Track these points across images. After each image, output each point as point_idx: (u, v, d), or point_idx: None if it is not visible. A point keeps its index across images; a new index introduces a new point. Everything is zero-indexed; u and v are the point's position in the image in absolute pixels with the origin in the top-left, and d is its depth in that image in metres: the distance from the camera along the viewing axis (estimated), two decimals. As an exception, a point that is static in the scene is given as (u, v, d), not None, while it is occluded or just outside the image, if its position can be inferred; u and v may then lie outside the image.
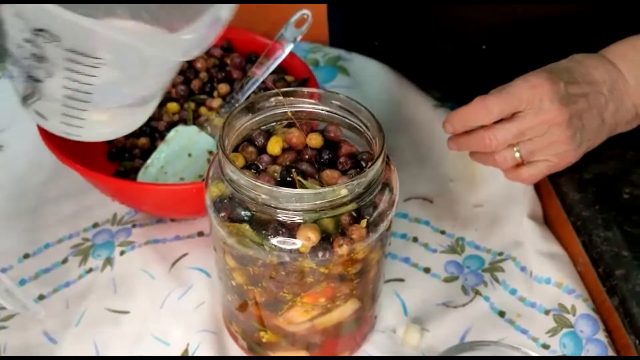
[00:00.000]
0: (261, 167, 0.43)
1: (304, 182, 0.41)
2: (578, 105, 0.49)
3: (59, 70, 0.38)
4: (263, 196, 0.39)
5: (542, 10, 0.60)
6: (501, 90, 0.50)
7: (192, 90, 0.62)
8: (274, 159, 0.44)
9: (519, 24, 0.62)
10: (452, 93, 0.68)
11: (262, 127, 0.45)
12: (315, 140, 0.44)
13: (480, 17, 0.64)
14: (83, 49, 0.36)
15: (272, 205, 0.39)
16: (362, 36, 0.76)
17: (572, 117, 0.49)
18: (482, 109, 0.49)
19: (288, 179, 0.41)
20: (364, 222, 0.40)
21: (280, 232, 0.40)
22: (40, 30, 0.33)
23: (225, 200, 0.41)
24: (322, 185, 0.42)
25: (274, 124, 0.45)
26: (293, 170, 0.41)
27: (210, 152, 0.58)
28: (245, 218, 0.40)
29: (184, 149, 0.57)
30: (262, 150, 0.44)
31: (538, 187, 0.60)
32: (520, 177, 0.53)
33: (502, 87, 0.50)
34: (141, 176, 0.57)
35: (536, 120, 0.49)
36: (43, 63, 0.37)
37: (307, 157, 0.44)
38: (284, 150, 0.44)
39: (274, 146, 0.43)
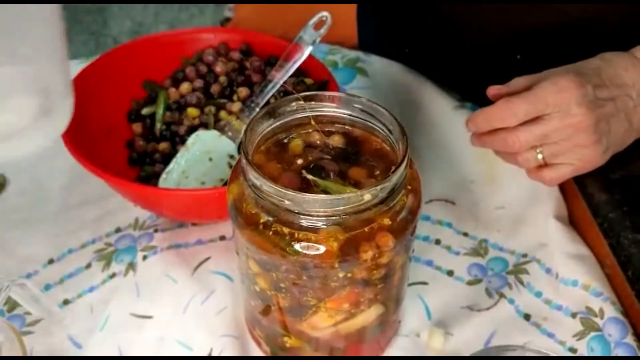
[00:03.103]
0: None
1: (327, 183, 0.41)
2: (605, 109, 0.49)
3: None
4: (286, 202, 0.39)
5: (576, 15, 0.59)
6: (527, 92, 0.49)
7: (212, 95, 0.62)
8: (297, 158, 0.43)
9: (548, 32, 0.61)
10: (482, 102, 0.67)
11: (285, 132, 0.44)
12: (337, 140, 0.44)
13: (513, 26, 0.63)
14: None
15: (296, 211, 0.39)
16: (393, 43, 0.75)
17: (599, 122, 0.48)
18: (507, 111, 0.49)
19: (309, 176, 0.41)
20: (388, 226, 0.40)
21: (304, 237, 0.39)
22: None
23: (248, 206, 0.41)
24: (348, 183, 0.41)
25: (294, 129, 0.45)
26: (310, 173, 0.41)
27: (231, 156, 0.58)
28: (269, 224, 0.40)
29: (205, 153, 0.58)
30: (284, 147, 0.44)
31: (563, 187, 0.59)
32: (542, 179, 0.52)
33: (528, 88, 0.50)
34: (162, 182, 0.57)
35: (561, 124, 0.48)
36: None
37: (331, 154, 0.43)
38: (306, 148, 0.44)
39: (297, 144, 0.43)
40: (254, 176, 0.39)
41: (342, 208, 0.38)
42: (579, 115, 0.48)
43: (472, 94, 0.68)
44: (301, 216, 0.39)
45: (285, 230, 0.40)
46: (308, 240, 0.39)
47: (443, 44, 0.70)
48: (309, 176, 0.41)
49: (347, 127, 0.45)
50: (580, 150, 0.49)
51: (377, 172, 0.42)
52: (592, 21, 0.59)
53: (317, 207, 0.38)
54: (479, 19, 0.65)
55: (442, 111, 0.66)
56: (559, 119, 0.48)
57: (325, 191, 0.41)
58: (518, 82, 0.51)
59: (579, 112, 0.48)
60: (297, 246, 0.39)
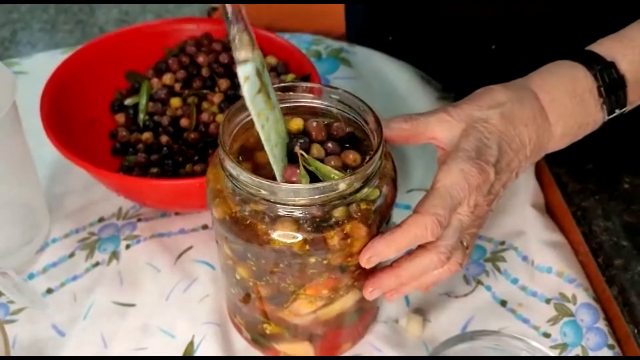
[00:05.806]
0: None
1: (317, 163, 0.40)
2: (502, 180, 0.45)
3: None
4: (263, 191, 0.39)
5: (548, 8, 0.59)
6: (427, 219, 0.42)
7: (194, 85, 0.63)
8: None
9: (525, 22, 0.61)
10: (461, 91, 0.67)
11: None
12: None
13: (491, 16, 0.62)
14: None
15: (272, 200, 0.39)
16: (378, 31, 0.75)
17: (497, 196, 0.45)
18: (423, 232, 0.42)
19: (301, 152, 0.40)
20: (363, 214, 0.41)
21: (280, 225, 0.40)
22: None
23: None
24: (342, 167, 0.42)
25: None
26: (301, 153, 0.41)
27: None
28: (246, 213, 0.41)
29: None
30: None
31: (539, 176, 0.60)
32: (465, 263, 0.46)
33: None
34: None
35: (470, 218, 0.44)
36: None
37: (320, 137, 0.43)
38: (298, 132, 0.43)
39: (295, 123, 0.43)
40: (230, 166, 0.40)
41: (317, 197, 0.39)
42: (484, 206, 0.44)
43: (455, 84, 0.68)
44: (278, 205, 0.40)
45: (263, 219, 0.40)
46: (285, 228, 0.40)
47: (427, 33, 0.71)
48: (300, 152, 0.41)
49: (325, 117, 0.46)
50: (480, 221, 0.46)
51: (355, 162, 0.43)
52: (574, 11, 0.60)
53: (292, 196, 0.39)
54: (463, 8, 0.65)
55: (425, 101, 0.67)
56: (468, 215, 0.44)
57: (311, 173, 0.41)
58: (400, 124, 0.46)
59: (483, 204, 0.44)
60: (274, 235, 0.40)
